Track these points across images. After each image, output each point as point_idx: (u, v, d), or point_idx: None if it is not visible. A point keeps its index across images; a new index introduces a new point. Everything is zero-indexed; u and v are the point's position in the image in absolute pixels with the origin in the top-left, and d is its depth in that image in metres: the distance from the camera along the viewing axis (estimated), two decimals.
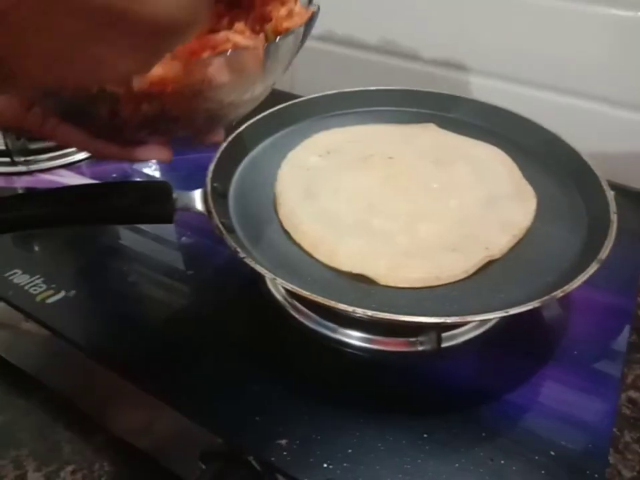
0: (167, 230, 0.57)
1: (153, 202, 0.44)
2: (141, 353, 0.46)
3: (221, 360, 0.45)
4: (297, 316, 0.47)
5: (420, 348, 0.44)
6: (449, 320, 0.36)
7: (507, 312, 0.36)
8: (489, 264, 0.44)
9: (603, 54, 0.62)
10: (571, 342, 0.47)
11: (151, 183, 0.46)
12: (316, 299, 0.37)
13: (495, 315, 0.36)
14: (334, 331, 0.46)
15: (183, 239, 0.58)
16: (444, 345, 0.44)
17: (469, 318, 0.36)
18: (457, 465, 0.38)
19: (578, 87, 0.65)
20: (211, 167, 0.50)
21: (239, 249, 0.41)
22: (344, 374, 0.44)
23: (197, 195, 0.47)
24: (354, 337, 0.45)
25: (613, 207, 0.45)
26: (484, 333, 0.45)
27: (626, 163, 0.66)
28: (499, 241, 0.44)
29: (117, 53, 0.19)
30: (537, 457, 0.38)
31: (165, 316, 0.50)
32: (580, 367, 0.44)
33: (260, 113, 0.58)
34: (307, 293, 0.37)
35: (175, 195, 0.45)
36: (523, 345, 0.46)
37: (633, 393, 0.58)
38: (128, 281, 0.53)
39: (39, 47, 0.17)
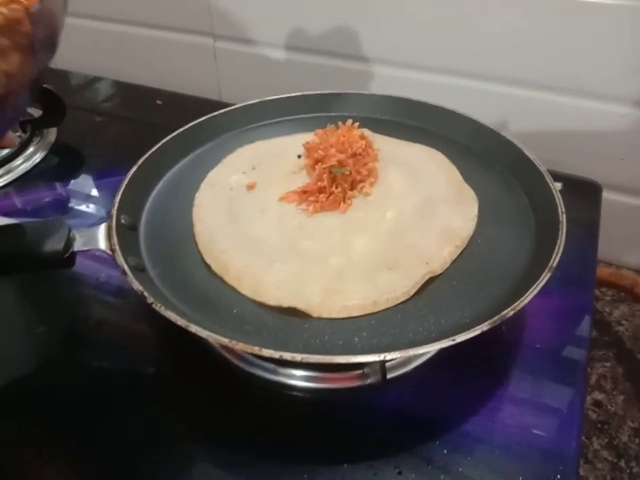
0: (80, 270, 0.51)
1: (45, 244, 0.38)
2: (55, 411, 0.40)
3: (144, 415, 0.40)
4: (230, 358, 0.42)
5: (368, 381, 0.40)
6: (388, 356, 0.31)
7: (453, 340, 0.32)
8: (431, 280, 0.39)
9: (535, 38, 0.59)
10: (528, 354, 0.43)
11: (41, 222, 0.39)
12: (236, 346, 0.32)
13: (441, 345, 0.32)
14: (273, 372, 0.41)
15: (102, 275, 0.51)
16: (391, 375, 0.40)
17: (411, 352, 0.32)
18: None
19: (512, 74, 0.62)
20: (118, 197, 0.44)
21: (146, 293, 0.35)
22: (285, 420, 0.39)
23: (101, 230, 0.41)
24: (296, 377, 0.41)
25: (561, 206, 0.41)
26: (433, 357, 0.41)
27: (569, 151, 0.64)
28: (440, 254, 0.40)
29: None
30: None
31: (78, 368, 0.44)
32: (538, 382, 0.41)
33: (174, 130, 0.53)
34: (226, 340, 0.32)
35: (72, 234, 0.39)
36: (476, 366, 0.42)
37: (597, 394, 0.55)
38: (36, 332, 0.47)
39: None
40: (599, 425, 0.52)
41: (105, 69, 0.86)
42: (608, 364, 0.58)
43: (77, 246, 0.39)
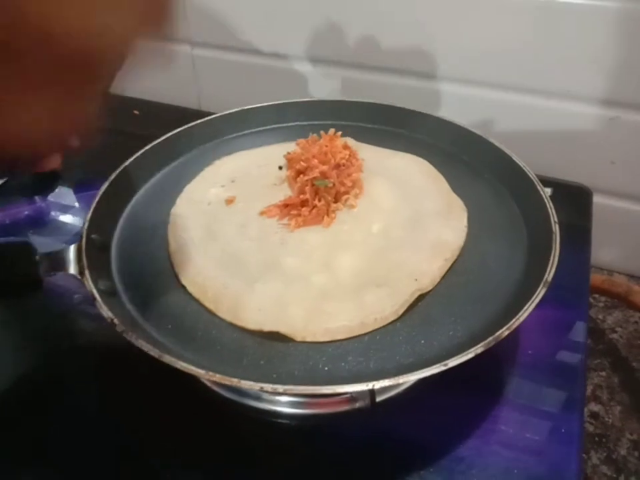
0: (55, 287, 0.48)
1: (9, 269, 0.36)
2: (29, 434, 0.38)
3: (120, 440, 0.38)
4: (209, 384, 0.40)
5: (356, 405, 0.37)
6: (377, 385, 0.29)
7: (445, 365, 0.30)
8: (421, 297, 0.37)
9: (521, 42, 0.58)
10: (522, 369, 0.41)
11: (4, 245, 0.37)
12: (212, 378, 0.30)
13: (432, 371, 0.30)
14: (257, 398, 0.38)
15: (76, 296, 0.49)
16: (381, 397, 0.38)
17: (401, 379, 0.30)
18: None
19: (498, 78, 0.61)
20: (88, 215, 0.42)
21: (116, 320, 0.33)
22: (270, 448, 0.37)
23: (70, 252, 0.38)
24: (280, 403, 0.38)
25: (553, 216, 0.40)
26: (424, 378, 0.39)
27: (557, 155, 0.62)
28: (429, 269, 0.38)
29: None
30: None
31: (54, 389, 0.41)
32: (535, 399, 0.39)
33: (152, 141, 0.50)
34: (202, 372, 0.30)
35: (38, 257, 0.37)
36: (469, 384, 0.39)
37: (594, 406, 0.54)
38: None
39: None
40: (597, 439, 0.50)
41: None
42: (603, 373, 0.56)
43: (44, 270, 0.37)
